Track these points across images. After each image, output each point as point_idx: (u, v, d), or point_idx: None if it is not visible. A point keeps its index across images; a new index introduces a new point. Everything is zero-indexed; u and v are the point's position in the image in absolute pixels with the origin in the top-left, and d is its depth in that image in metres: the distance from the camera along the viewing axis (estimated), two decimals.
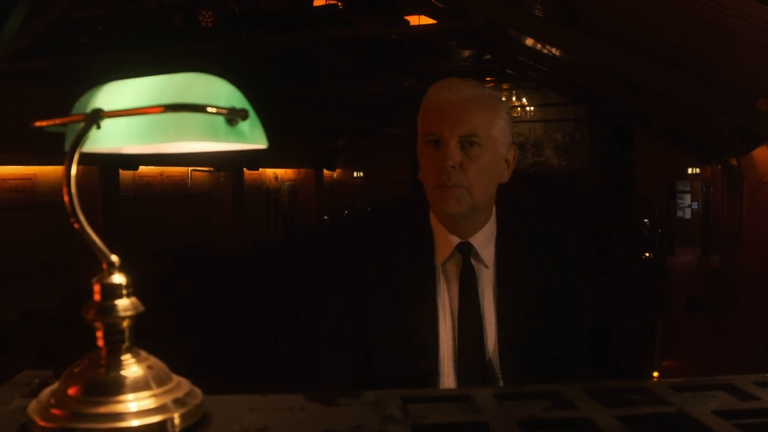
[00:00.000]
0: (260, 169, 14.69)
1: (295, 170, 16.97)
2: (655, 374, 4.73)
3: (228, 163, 12.79)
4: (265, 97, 10.75)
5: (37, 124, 0.62)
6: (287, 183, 16.91)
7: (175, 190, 12.59)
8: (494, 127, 1.37)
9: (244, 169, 13.73)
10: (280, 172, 16.45)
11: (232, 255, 10.25)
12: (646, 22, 5.46)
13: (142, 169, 11.04)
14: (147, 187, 11.78)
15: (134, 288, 0.61)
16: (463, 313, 1.39)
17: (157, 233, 11.32)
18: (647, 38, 5.91)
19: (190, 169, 12.71)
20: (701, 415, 0.62)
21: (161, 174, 12.11)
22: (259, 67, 9.35)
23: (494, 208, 1.46)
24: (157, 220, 11.66)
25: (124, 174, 10.73)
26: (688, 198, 17.93)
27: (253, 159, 12.99)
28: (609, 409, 0.63)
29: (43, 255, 9.00)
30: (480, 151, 1.35)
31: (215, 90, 0.59)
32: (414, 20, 8.63)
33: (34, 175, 9.33)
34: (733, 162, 8.04)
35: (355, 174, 19.88)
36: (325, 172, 17.59)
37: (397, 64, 11.10)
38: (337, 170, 18.29)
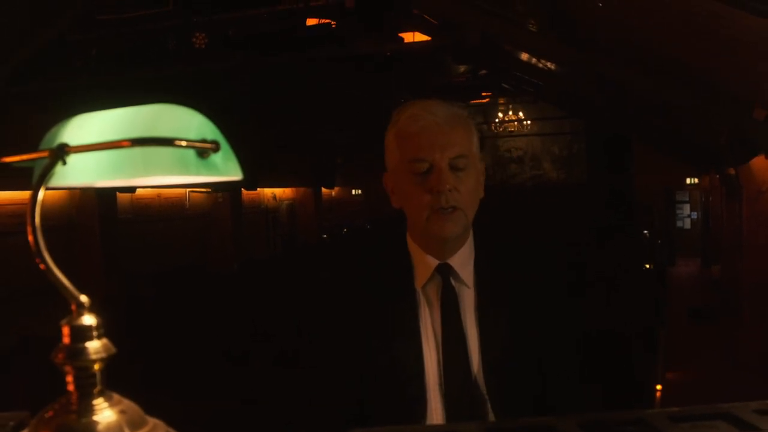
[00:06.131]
0: (258, 188, 14.68)
1: (294, 189, 16.96)
2: (658, 387, 4.68)
3: (226, 184, 12.76)
4: (259, 116, 10.76)
5: (4, 160, 0.60)
6: (286, 202, 16.90)
7: (173, 211, 12.56)
8: (474, 144, 1.37)
9: (242, 189, 13.71)
10: (279, 191, 16.44)
11: (231, 274, 10.22)
12: (642, 33, 5.47)
13: (140, 191, 11.01)
14: (145, 209, 11.75)
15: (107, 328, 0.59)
16: (446, 336, 1.37)
17: (155, 254, 11.28)
18: (643, 49, 5.92)
19: (188, 190, 12.70)
20: None
21: (159, 196, 12.08)
22: (252, 86, 9.35)
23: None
24: (156, 241, 11.62)
25: (122, 196, 10.73)
26: (687, 208, 17.89)
27: (250, 179, 12.98)
28: None
29: (43, 279, 8.94)
30: (468, 171, 1.34)
31: (185, 121, 0.57)
32: (408, 37, 8.62)
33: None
34: (732, 171, 8.02)
35: (353, 192, 19.87)
36: (324, 190, 17.58)
37: (393, 80, 11.09)
38: (336, 188, 18.28)
